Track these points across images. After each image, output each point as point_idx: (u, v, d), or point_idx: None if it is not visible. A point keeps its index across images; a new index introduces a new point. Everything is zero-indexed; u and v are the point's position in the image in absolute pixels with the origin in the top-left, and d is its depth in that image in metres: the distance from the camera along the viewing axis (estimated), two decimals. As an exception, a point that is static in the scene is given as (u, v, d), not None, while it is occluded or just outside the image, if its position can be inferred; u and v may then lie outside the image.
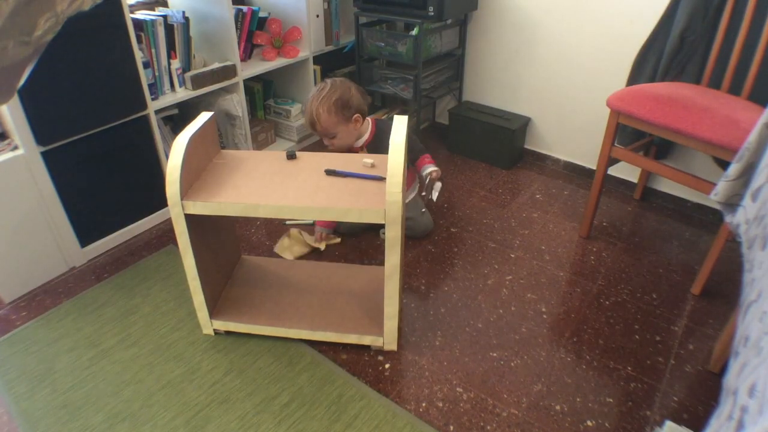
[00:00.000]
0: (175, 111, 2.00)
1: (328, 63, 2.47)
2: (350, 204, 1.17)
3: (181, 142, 1.23)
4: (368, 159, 1.34)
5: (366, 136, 1.69)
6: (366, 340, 1.38)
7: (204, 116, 1.36)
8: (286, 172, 1.32)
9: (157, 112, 1.81)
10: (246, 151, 1.44)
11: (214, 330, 1.45)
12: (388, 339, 1.38)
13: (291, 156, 1.38)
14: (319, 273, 1.59)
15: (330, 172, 1.30)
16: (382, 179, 1.26)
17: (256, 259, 1.67)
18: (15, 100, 1.42)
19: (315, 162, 1.37)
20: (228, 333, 1.45)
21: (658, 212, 2.02)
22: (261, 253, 1.79)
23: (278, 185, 1.26)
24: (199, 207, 1.22)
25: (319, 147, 2.54)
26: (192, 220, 1.26)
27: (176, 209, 1.22)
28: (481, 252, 1.79)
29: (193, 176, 1.29)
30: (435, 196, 1.65)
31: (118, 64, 1.63)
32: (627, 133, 1.93)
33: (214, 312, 1.45)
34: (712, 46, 1.65)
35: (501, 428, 1.21)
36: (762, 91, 1.55)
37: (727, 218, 1.20)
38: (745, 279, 1.01)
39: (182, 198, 1.21)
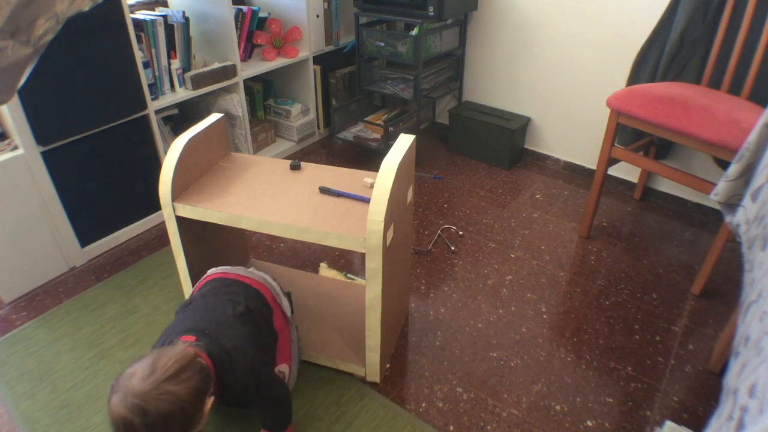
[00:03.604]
0: (175, 111, 2.00)
1: (328, 63, 2.47)
2: (331, 227, 1.11)
3: (179, 143, 1.22)
4: (369, 179, 1.30)
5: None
6: (350, 368, 1.33)
7: (212, 117, 1.36)
8: (283, 184, 1.29)
9: (157, 112, 1.81)
10: (253, 156, 1.43)
11: None
12: (370, 371, 1.31)
13: (295, 167, 1.35)
14: (315, 287, 1.55)
15: (324, 190, 1.25)
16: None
17: (263, 264, 1.66)
18: (15, 100, 1.42)
19: (316, 175, 1.33)
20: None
21: (658, 212, 2.02)
22: (260, 253, 1.79)
23: (269, 198, 1.23)
24: (188, 211, 1.21)
25: (320, 148, 2.54)
26: (188, 220, 1.26)
27: (167, 210, 1.22)
28: (481, 252, 1.79)
29: (192, 178, 1.28)
30: None
31: (118, 64, 1.63)
32: (627, 133, 1.93)
33: None
34: (712, 46, 1.65)
35: (501, 428, 1.21)
36: (762, 91, 1.55)
37: (727, 218, 1.20)
38: (745, 279, 1.01)
39: (174, 200, 1.21)
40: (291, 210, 1.18)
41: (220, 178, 1.32)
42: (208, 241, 1.41)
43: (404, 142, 1.18)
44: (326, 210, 1.18)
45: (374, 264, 1.10)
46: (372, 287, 1.14)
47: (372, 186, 1.26)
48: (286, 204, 1.20)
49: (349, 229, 1.11)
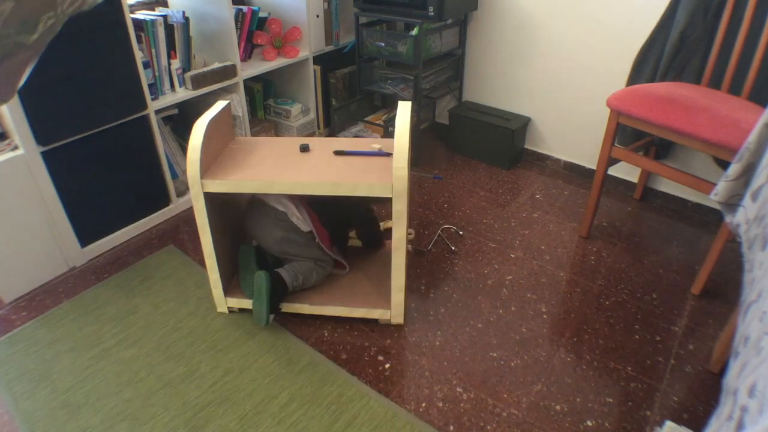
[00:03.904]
0: (175, 111, 1.99)
1: (328, 63, 2.47)
2: (359, 179, 1.25)
3: (200, 125, 1.29)
4: (376, 144, 1.43)
5: None
6: (374, 314, 1.45)
7: (220, 104, 1.43)
8: (298, 155, 1.41)
9: (157, 112, 1.81)
10: (260, 138, 1.51)
11: (228, 308, 1.51)
12: (395, 312, 1.43)
13: (304, 149, 1.43)
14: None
15: (339, 153, 1.39)
16: (388, 155, 1.37)
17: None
18: (15, 100, 1.42)
19: (325, 146, 1.45)
20: (241, 310, 1.52)
21: (658, 212, 2.02)
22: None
23: (291, 164, 1.33)
24: (217, 185, 1.28)
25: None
26: (210, 206, 1.33)
27: (196, 187, 1.27)
28: (481, 252, 1.79)
29: (211, 159, 1.34)
30: None
31: (118, 64, 1.63)
32: (627, 133, 1.93)
33: (228, 291, 1.51)
34: (712, 45, 1.65)
35: (501, 428, 1.21)
36: (762, 91, 1.55)
37: (727, 218, 1.20)
38: (745, 279, 1.01)
39: (201, 177, 1.27)
40: (317, 171, 1.29)
41: (235, 157, 1.39)
42: (223, 229, 1.48)
43: (405, 106, 1.33)
44: (348, 167, 1.31)
45: (400, 206, 1.24)
46: (398, 228, 1.26)
47: (380, 149, 1.41)
48: (310, 167, 1.32)
49: (376, 178, 1.25)
